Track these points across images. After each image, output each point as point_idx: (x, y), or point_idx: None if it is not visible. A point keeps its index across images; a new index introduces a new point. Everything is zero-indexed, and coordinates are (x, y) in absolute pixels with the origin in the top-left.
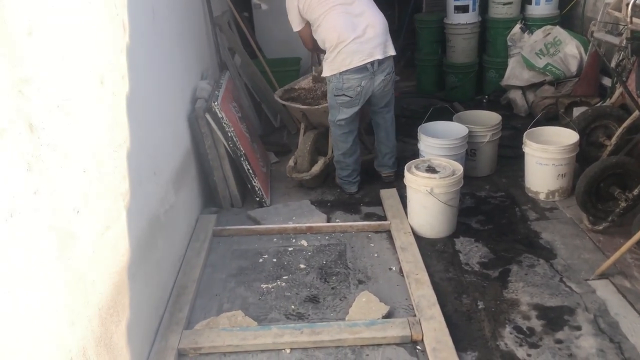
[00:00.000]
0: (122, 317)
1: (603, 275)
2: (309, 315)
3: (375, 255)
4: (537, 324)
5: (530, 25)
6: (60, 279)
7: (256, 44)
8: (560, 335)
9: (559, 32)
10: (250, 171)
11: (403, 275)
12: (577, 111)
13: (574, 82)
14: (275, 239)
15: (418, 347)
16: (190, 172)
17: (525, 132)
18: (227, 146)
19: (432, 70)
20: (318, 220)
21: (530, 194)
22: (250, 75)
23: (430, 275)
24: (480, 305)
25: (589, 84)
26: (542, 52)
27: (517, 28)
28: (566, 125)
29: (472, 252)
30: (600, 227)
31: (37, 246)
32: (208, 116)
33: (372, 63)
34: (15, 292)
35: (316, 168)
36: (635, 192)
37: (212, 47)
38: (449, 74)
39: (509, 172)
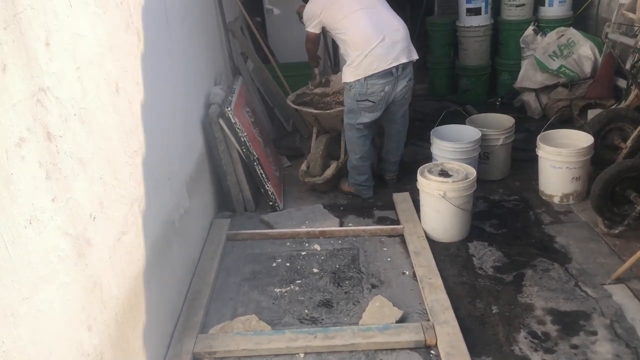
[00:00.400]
0: (138, 321)
1: (619, 280)
2: (322, 319)
3: (389, 259)
4: (552, 328)
5: (543, 27)
6: (78, 284)
7: (269, 49)
8: (575, 340)
9: (572, 33)
10: (263, 175)
11: (416, 280)
12: (591, 113)
13: (588, 84)
14: (288, 243)
15: (432, 351)
16: (204, 177)
17: (539, 135)
18: (240, 151)
19: (444, 73)
20: (331, 225)
21: (544, 198)
22: (262, 80)
23: (444, 279)
24: (495, 309)
25: (603, 86)
26: (555, 54)
27: (530, 30)
28: (580, 128)
29: (485, 256)
30: (616, 231)
31: (54, 252)
32: (221, 121)
33: (397, 68)
34: (34, 298)
35: (328, 172)
36: None
37: (225, 52)
38: (461, 77)
39: (523, 175)
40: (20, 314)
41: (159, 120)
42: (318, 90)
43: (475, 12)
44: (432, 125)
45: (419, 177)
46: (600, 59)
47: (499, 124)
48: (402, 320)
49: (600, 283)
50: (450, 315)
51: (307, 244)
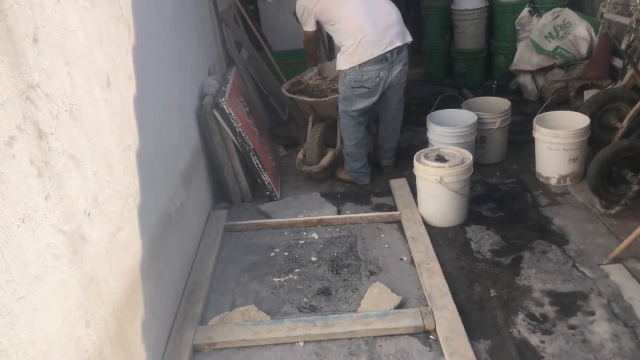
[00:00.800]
0: (136, 315)
1: (616, 260)
2: (321, 307)
3: (386, 245)
4: (550, 310)
5: (538, 8)
6: (74, 281)
7: (262, 37)
8: (573, 321)
9: (568, 14)
10: (260, 166)
11: (414, 265)
12: (587, 94)
13: (585, 65)
14: (286, 233)
15: (431, 336)
16: (199, 169)
17: (535, 117)
18: (235, 142)
19: (440, 57)
20: (328, 213)
21: (541, 180)
22: (257, 69)
23: (442, 264)
24: (493, 293)
25: (599, 67)
26: (551, 35)
27: (525, 11)
28: (577, 109)
29: (483, 240)
30: (613, 211)
31: (49, 250)
32: (216, 112)
33: (391, 52)
34: (30, 297)
35: (325, 160)
36: None
37: (218, 42)
38: (457, 61)
39: (520, 158)
40: (17, 314)
41: (153, 113)
42: (312, 81)
43: None
44: (428, 110)
45: (415, 162)
46: (596, 40)
47: (495, 108)
48: (400, 306)
49: (597, 263)
50: (448, 299)
51: (305, 233)
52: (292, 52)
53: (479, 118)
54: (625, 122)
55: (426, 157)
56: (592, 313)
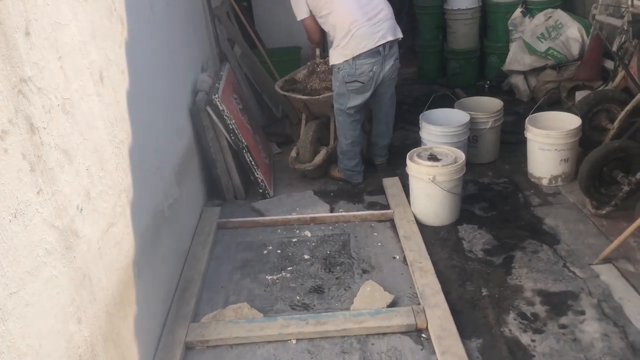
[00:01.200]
0: (129, 312)
1: (607, 260)
2: (314, 305)
3: (379, 244)
4: (541, 309)
5: (531, 9)
6: (66, 277)
7: (256, 34)
8: (564, 320)
9: (560, 15)
10: (253, 163)
11: (407, 264)
12: (579, 95)
13: (576, 66)
14: (279, 230)
15: (423, 335)
16: (193, 166)
17: (527, 118)
18: (228, 138)
19: (433, 56)
20: (321, 211)
21: (533, 180)
22: (250, 66)
23: (434, 263)
24: (484, 292)
25: (591, 68)
26: (543, 36)
27: (518, 12)
28: (568, 110)
29: (475, 239)
30: (604, 212)
31: (41, 246)
32: (209, 109)
33: (383, 46)
34: (21, 292)
35: (318, 158)
36: (638, 175)
37: (211, 38)
38: (450, 60)
39: (512, 158)
40: (8, 309)
41: (146, 109)
42: (306, 76)
43: None
44: (421, 109)
45: (408, 161)
46: (587, 41)
47: (488, 107)
48: (393, 304)
49: (588, 263)
50: (440, 298)
51: (297, 231)
52: (286, 49)
53: (471, 118)
54: (616, 124)
55: (419, 156)
56: (583, 312)
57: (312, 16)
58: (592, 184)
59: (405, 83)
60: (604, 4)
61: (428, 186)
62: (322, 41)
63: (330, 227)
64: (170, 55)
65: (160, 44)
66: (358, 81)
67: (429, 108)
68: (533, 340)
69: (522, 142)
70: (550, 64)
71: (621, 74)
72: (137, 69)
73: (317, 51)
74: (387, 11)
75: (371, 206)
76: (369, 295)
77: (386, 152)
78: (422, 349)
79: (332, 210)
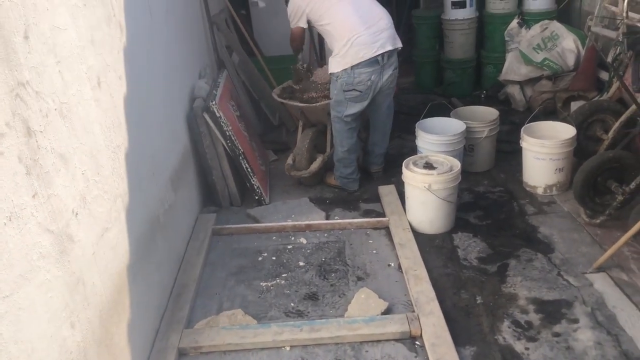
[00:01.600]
0: (122, 317)
1: (600, 269)
2: (308, 312)
3: (374, 251)
4: (535, 317)
5: (527, 20)
6: (60, 281)
7: (254, 42)
8: (558, 328)
9: (556, 26)
10: (249, 170)
11: (402, 272)
12: (574, 105)
13: (572, 77)
14: (274, 237)
15: (417, 342)
16: (189, 172)
17: (523, 127)
18: (225, 145)
19: (430, 66)
20: (317, 218)
21: (528, 189)
22: (248, 74)
23: (429, 271)
24: (479, 300)
25: (586, 79)
26: (539, 46)
27: (514, 23)
28: (564, 120)
29: (470, 248)
30: (598, 221)
31: (35, 249)
32: (206, 115)
33: (382, 56)
34: (15, 296)
35: (315, 166)
36: (632, 185)
37: (209, 45)
38: (447, 70)
39: (507, 167)
40: (1, 312)
41: (143, 114)
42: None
43: (460, 5)
44: (418, 118)
45: (404, 169)
46: (583, 52)
47: (484, 117)
48: (387, 311)
49: (582, 272)
50: (435, 306)
51: (293, 238)
52: (284, 57)
53: (467, 127)
54: (610, 134)
55: (415, 164)
56: (576, 321)
57: (305, 29)
58: (587, 194)
59: (402, 92)
60: (600, 16)
61: (423, 194)
62: (301, 50)
63: (326, 235)
64: (168, 62)
65: (158, 50)
66: (356, 90)
67: (425, 117)
68: (527, 348)
69: (517, 151)
70: (546, 75)
71: (616, 84)
72: (134, 74)
73: (299, 56)
74: (386, 20)
75: (367, 214)
76: (364, 303)
77: (382, 161)
78: (416, 357)
79: (327, 218)
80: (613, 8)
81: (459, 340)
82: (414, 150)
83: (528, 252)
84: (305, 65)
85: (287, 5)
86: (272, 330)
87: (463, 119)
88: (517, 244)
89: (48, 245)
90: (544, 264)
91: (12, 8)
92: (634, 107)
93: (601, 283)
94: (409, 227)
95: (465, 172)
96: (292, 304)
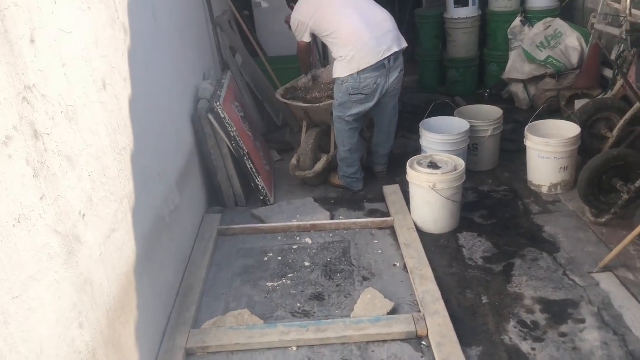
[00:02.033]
0: (130, 318)
1: (606, 268)
2: (314, 312)
3: (379, 251)
4: (541, 317)
5: (530, 18)
6: (68, 282)
7: (257, 43)
8: (564, 328)
9: (559, 24)
10: (254, 170)
11: (407, 271)
12: (578, 104)
13: (576, 75)
14: (279, 237)
15: (423, 342)
16: (194, 173)
17: (527, 126)
18: (230, 146)
19: (433, 65)
20: (322, 218)
21: (532, 188)
22: (251, 74)
23: (434, 270)
24: (485, 299)
25: (590, 76)
26: (543, 44)
27: (517, 21)
28: (568, 118)
29: (475, 247)
30: (603, 220)
31: (44, 251)
32: (211, 116)
33: (389, 59)
34: (24, 297)
35: (319, 166)
36: (638, 184)
37: (213, 47)
38: (450, 69)
39: (512, 166)
40: (11, 313)
41: (148, 116)
42: (306, 87)
43: (463, 3)
44: (421, 117)
45: (408, 169)
46: (586, 50)
47: (488, 116)
48: (393, 312)
49: (588, 272)
50: (440, 306)
51: (298, 238)
52: (287, 58)
53: (471, 126)
54: (615, 132)
55: (419, 163)
56: (583, 321)
57: (309, 43)
58: (592, 192)
59: (406, 91)
60: (603, 13)
61: (428, 194)
62: (310, 63)
63: (331, 235)
64: (172, 63)
65: (162, 52)
66: (362, 93)
67: (429, 116)
68: (533, 349)
69: (521, 150)
70: (550, 73)
71: (620, 82)
72: (139, 76)
73: (308, 76)
74: (390, 23)
75: (371, 214)
76: (370, 303)
77: (386, 161)
78: (422, 357)
79: (332, 218)
80: (616, 5)
81: (465, 340)
82: (418, 150)
83: (533, 251)
84: (311, 77)
85: (288, 6)
86: (278, 331)
87: (467, 118)
88: (523, 243)
89: (56, 246)
90: (549, 263)
91: (19, 13)
92: (638, 104)
93: (607, 283)
94: (414, 226)
95: (469, 172)
96: (298, 304)
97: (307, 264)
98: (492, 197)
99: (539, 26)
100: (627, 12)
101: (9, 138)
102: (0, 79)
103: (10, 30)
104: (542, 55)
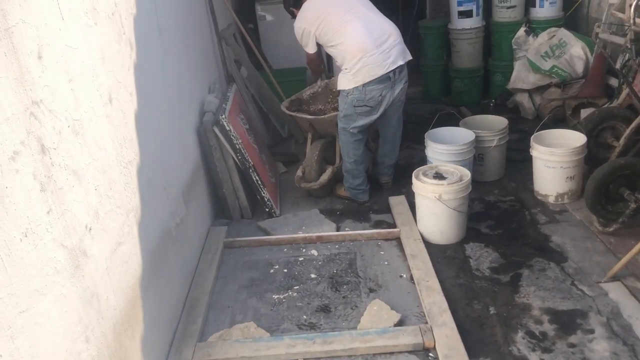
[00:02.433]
0: (136, 331)
1: (615, 278)
2: (320, 325)
3: (386, 263)
4: (549, 328)
5: (534, 28)
6: (74, 295)
7: (262, 56)
8: (573, 339)
9: (564, 34)
10: (259, 182)
11: (414, 283)
12: (584, 113)
13: (581, 84)
14: (285, 249)
15: (430, 354)
16: (200, 185)
17: (533, 135)
18: (235, 158)
19: (438, 75)
20: (328, 230)
21: (539, 197)
22: (256, 87)
23: (441, 281)
24: (492, 310)
25: (595, 85)
26: (547, 54)
27: (521, 31)
28: (573, 127)
29: (482, 258)
30: (611, 229)
31: (50, 264)
32: (216, 129)
33: (394, 72)
34: (31, 311)
35: (324, 177)
36: None
37: (218, 60)
38: (454, 79)
39: (518, 175)
40: (18, 327)
41: (153, 129)
42: (312, 96)
43: (467, 14)
44: (426, 128)
45: (414, 180)
46: (591, 59)
47: (493, 125)
48: (400, 323)
49: (596, 281)
50: (447, 317)
51: (304, 250)
52: (292, 70)
53: (476, 136)
54: (621, 141)
55: (425, 174)
56: (592, 331)
57: (318, 52)
58: (599, 201)
59: (410, 102)
60: (607, 23)
61: (434, 204)
62: (321, 71)
63: (337, 246)
64: (178, 77)
65: (168, 66)
66: (367, 105)
67: (434, 127)
68: None
69: (527, 160)
70: (555, 82)
71: (625, 91)
72: (145, 90)
73: (319, 82)
74: (395, 36)
75: (377, 225)
76: (376, 314)
77: (392, 172)
78: None
79: (338, 229)
80: (620, 15)
81: (472, 352)
82: (423, 161)
83: (541, 261)
84: (324, 83)
85: (287, 10)
86: (285, 343)
87: (472, 128)
88: (530, 253)
89: (63, 260)
90: (557, 273)
91: (26, 30)
92: None
93: (616, 292)
94: (420, 237)
95: (475, 182)
96: (304, 317)
97: (313, 275)
98: (499, 207)
99: (543, 36)
100: (631, 21)
101: (16, 153)
102: (8, 95)
103: (17, 46)
104: (546, 65)
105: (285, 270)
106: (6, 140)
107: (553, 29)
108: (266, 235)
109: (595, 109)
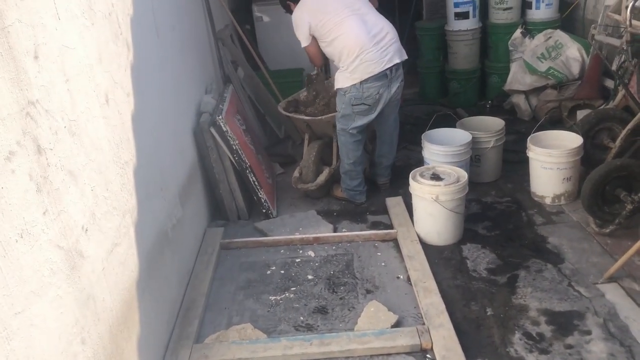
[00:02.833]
0: (132, 332)
1: (612, 279)
2: (317, 326)
3: (383, 264)
4: (546, 329)
5: (531, 29)
6: (71, 297)
7: (259, 56)
8: (570, 340)
9: (560, 35)
10: (256, 183)
11: (411, 284)
12: (580, 114)
13: (577, 85)
14: (282, 251)
15: (428, 355)
16: (196, 186)
17: (529, 137)
18: (232, 159)
19: (434, 77)
20: (325, 231)
21: (536, 199)
22: (253, 88)
23: (438, 283)
24: (489, 311)
25: (591, 87)
26: (543, 56)
27: (518, 33)
28: (570, 129)
29: (479, 259)
30: (608, 230)
31: (46, 266)
32: (213, 130)
33: (390, 69)
34: (27, 312)
35: (321, 178)
36: None
37: (215, 61)
38: (451, 81)
39: (514, 177)
40: (13, 329)
41: (150, 130)
42: (309, 97)
43: (463, 16)
44: (423, 129)
45: (411, 181)
46: (587, 61)
47: (490, 127)
48: (397, 324)
49: (593, 282)
50: (445, 318)
51: (301, 251)
52: (289, 71)
53: (473, 137)
54: (617, 142)
55: (422, 175)
56: (589, 332)
57: (314, 41)
58: (595, 203)
59: (407, 103)
60: (603, 24)
61: (431, 206)
62: (324, 63)
63: (334, 247)
64: (174, 78)
65: (165, 66)
66: (365, 104)
67: (431, 128)
68: None
69: (524, 161)
70: (551, 84)
71: (621, 93)
72: (142, 91)
73: (316, 69)
74: (392, 34)
75: (374, 226)
76: (373, 316)
77: (389, 173)
78: None
79: (335, 230)
80: (616, 16)
81: (470, 353)
82: (420, 162)
83: (538, 262)
84: (315, 74)
85: (282, 6)
86: (282, 345)
87: (469, 129)
88: (527, 254)
89: (59, 261)
90: (554, 274)
91: (23, 29)
92: None
93: (613, 293)
94: (417, 238)
95: (472, 183)
96: (301, 318)
97: (310, 277)
98: (496, 209)
99: (540, 37)
100: (627, 23)
101: (12, 153)
102: (4, 95)
103: (14, 46)
104: (543, 67)
105: (282, 272)
106: (2, 141)
107: (549, 30)
108: (263, 237)
109: (591, 110)
